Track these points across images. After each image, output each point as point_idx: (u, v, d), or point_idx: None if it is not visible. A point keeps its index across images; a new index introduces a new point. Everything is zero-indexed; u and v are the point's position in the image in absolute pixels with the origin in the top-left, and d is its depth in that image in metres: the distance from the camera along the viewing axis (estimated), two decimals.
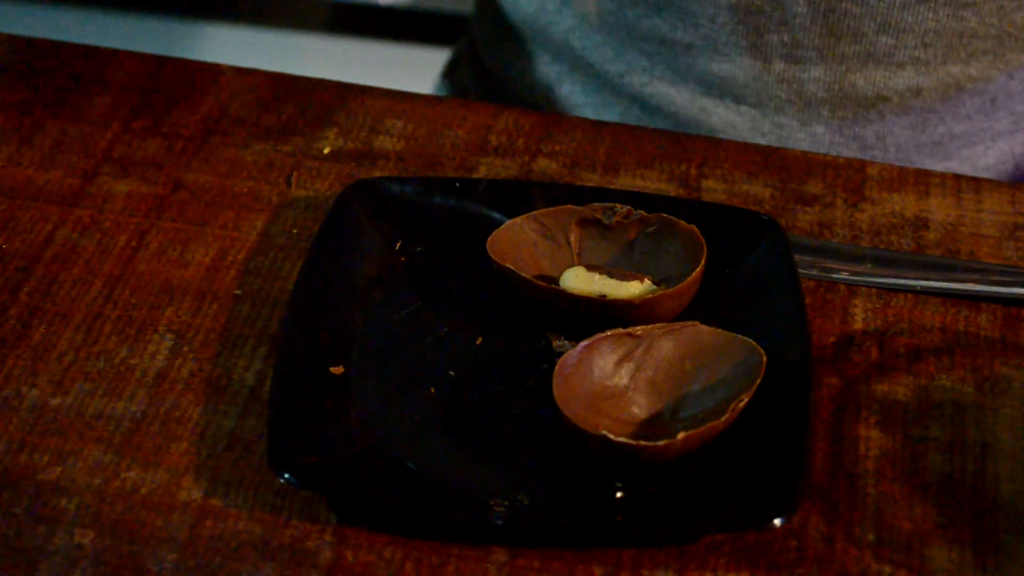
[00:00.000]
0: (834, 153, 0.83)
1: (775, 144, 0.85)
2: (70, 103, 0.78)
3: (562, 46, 0.89)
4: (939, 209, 0.74)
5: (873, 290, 0.70)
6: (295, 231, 0.71)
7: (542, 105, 0.91)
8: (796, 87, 0.84)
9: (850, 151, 0.86)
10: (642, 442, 0.59)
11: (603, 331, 0.63)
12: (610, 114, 0.89)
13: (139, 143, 0.76)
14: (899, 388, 0.66)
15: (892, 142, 0.86)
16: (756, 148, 0.76)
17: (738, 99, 0.85)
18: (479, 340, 0.66)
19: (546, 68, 0.91)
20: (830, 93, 0.84)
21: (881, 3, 0.81)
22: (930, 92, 0.84)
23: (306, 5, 2.11)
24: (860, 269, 0.70)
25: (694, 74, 0.85)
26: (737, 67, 0.84)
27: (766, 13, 0.82)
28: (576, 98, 0.90)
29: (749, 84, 0.85)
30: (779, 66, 0.83)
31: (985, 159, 0.88)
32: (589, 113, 0.90)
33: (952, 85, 0.84)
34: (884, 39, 0.82)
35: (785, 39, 0.83)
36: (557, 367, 0.62)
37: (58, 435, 0.62)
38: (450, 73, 1.02)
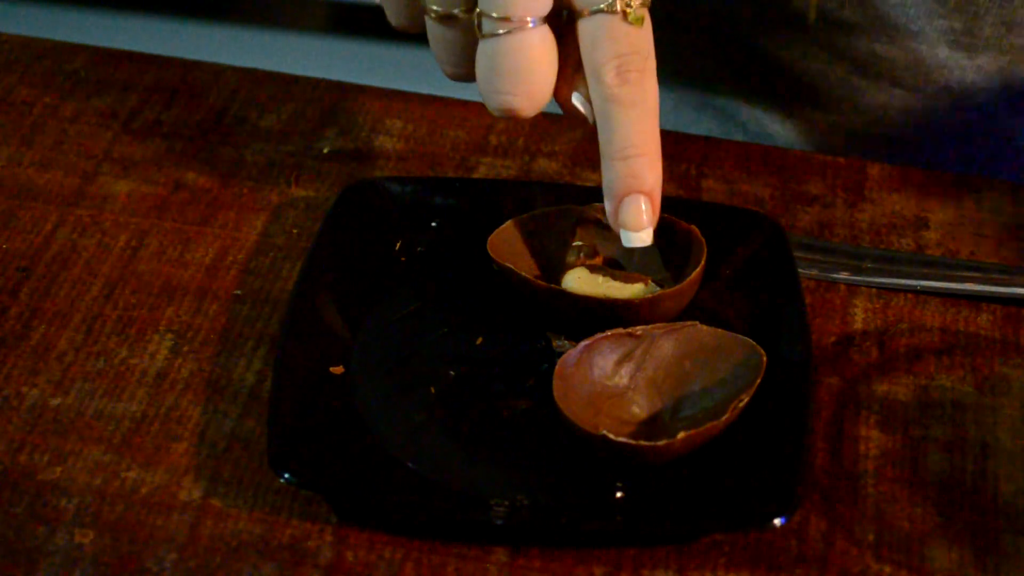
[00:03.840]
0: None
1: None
2: (70, 103, 0.78)
3: None
4: (939, 209, 0.74)
5: (873, 290, 0.70)
6: (295, 231, 0.71)
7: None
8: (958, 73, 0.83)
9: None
10: (642, 442, 0.59)
11: (603, 331, 0.63)
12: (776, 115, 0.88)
13: (139, 143, 0.76)
14: (899, 388, 0.66)
15: None
16: (756, 148, 0.76)
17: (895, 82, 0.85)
18: (479, 340, 0.66)
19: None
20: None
21: None
22: None
23: (306, 5, 2.11)
24: (860, 269, 0.70)
25: (851, 54, 0.84)
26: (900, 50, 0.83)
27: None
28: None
29: (909, 68, 0.84)
30: (944, 52, 0.83)
31: None
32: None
33: None
34: None
35: (956, 26, 0.82)
36: (557, 367, 0.62)
37: (58, 435, 0.62)
38: None
